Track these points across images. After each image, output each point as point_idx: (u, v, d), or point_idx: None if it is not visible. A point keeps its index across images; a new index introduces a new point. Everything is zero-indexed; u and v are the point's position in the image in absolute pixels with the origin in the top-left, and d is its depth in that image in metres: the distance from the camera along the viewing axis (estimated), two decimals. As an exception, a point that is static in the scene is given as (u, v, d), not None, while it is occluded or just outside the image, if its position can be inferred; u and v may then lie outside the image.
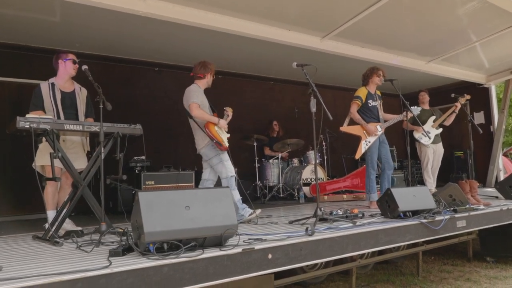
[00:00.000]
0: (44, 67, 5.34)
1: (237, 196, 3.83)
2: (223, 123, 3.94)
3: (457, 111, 5.61)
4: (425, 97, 5.92)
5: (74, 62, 3.65)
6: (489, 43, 5.89)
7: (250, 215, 3.76)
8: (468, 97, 5.63)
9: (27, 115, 3.02)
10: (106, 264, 2.04)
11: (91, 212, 3.30)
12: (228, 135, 4.02)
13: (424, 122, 5.67)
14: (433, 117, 5.79)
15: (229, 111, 4.11)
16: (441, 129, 5.79)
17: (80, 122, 3.34)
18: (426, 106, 5.92)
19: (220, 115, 4.06)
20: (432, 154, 5.72)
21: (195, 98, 3.81)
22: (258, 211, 3.84)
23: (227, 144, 3.86)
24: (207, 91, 7.11)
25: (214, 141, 3.78)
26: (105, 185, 3.14)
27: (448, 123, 5.79)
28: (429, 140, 5.63)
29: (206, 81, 4.05)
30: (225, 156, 3.88)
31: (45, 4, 4.20)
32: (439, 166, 5.85)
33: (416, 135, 5.64)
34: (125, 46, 5.77)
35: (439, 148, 5.81)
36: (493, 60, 6.99)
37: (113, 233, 3.06)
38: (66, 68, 3.65)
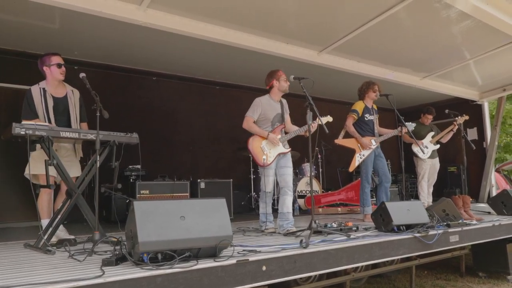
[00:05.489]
0: (42, 74, 5.34)
1: (262, 210, 3.94)
2: (272, 137, 3.84)
3: (455, 130, 5.75)
4: (425, 119, 6.04)
5: (59, 66, 3.44)
6: (483, 61, 5.99)
7: (265, 228, 3.88)
8: (466, 117, 5.75)
9: (23, 122, 2.99)
10: (99, 274, 2.02)
11: (84, 220, 3.27)
12: (285, 150, 3.93)
13: (422, 137, 5.87)
14: (432, 133, 5.95)
15: (313, 125, 3.66)
16: (438, 145, 5.93)
17: (76, 129, 3.30)
18: (426, 123, 6.09)
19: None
20: (429, 168, 5.85)
21: (250, 112, 3.93)
22: (271, 229, 3.88)
23: (268, 161, 3.79)
24: (203, 101, 7.09)
25: (250, 155, 3.89)
26: (99, 194, 3.13)
27: (445, 140, 5.94)
28: (426, 155, 5.78)
29: (277, 88, 4.00)
30: (267, 171, 3.83)
31: (44, 11, 4.21)
32: (435, 180, 6.00)
33: (414, 149, 5.78)
34: (124, 54, 5.79)
35: (436, 163, 5.96)
36: (486, 78, 7.10)
37: (107, 242, 3.04)
38: (53, 74, 3.45)
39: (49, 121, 3.43)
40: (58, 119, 3.48)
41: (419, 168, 5.87)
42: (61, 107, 3.53)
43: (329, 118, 4.04)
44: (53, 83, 3.52)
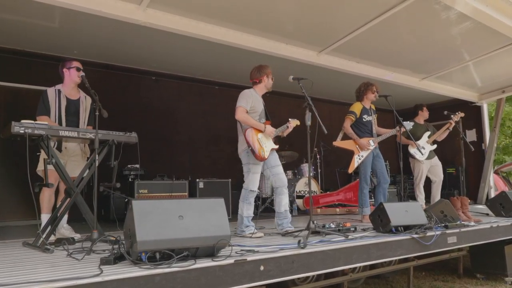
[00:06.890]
0: (41, 73, 5.36)
1: (248, 211, 3.68)
2: (270, 130, 3.74)
3: (451, 128, 5.67)
4: (425, 113, 5.95)
5: (78, 70, 3.68)
6: (482, 62, 6.00)
7: (249, 233, 3.57)
8: (462, 114, 5.69)
9: (34, 121, 3.04)
10: (97, 273, 2.03)
11: (83, 219, 3.28)
12: (276, 146, 3.85)
13: (419, 138, 5.72)
14: (428, 133, 5.80)
15: (292, 123, 3.86)
16: (435, 145, 5.80)
17: (75, 128, 3.33)
18: (422, 122, 5.95)
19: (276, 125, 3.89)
20: (426, 170, 5.72)
21: (243, 102, 3.70)
22: (259, 234, 3.58)
23: (265, 155, 3.67)
24: (203, 101, 7.09)
25: (250, 149, 3.64)
26: (98, 193, 3.14)
27: (440, 139, 5.81)
28: (423, 156, 5.64)
29: (264, 85, 3.87)
30: (256, 168, 3.71)
31: (44, 10, 4.21)
32: (442, 178, 5.79)
33: (411, 150, 5.63)
34: (123, 54, 5.80)
35: (436, 162, 5.79)
36: (485, 79, 7.12)
37: (105, 241, 3.04)
38: (71, 76, 3.69)
39: (60, 120, 3.60)
40: (68, 119, 3.66)
41: (416, 170, 5.74)
42: (72, 108, 3.70)
43: (297, 122, 3.94)
44: (69, 85, 3.73)
